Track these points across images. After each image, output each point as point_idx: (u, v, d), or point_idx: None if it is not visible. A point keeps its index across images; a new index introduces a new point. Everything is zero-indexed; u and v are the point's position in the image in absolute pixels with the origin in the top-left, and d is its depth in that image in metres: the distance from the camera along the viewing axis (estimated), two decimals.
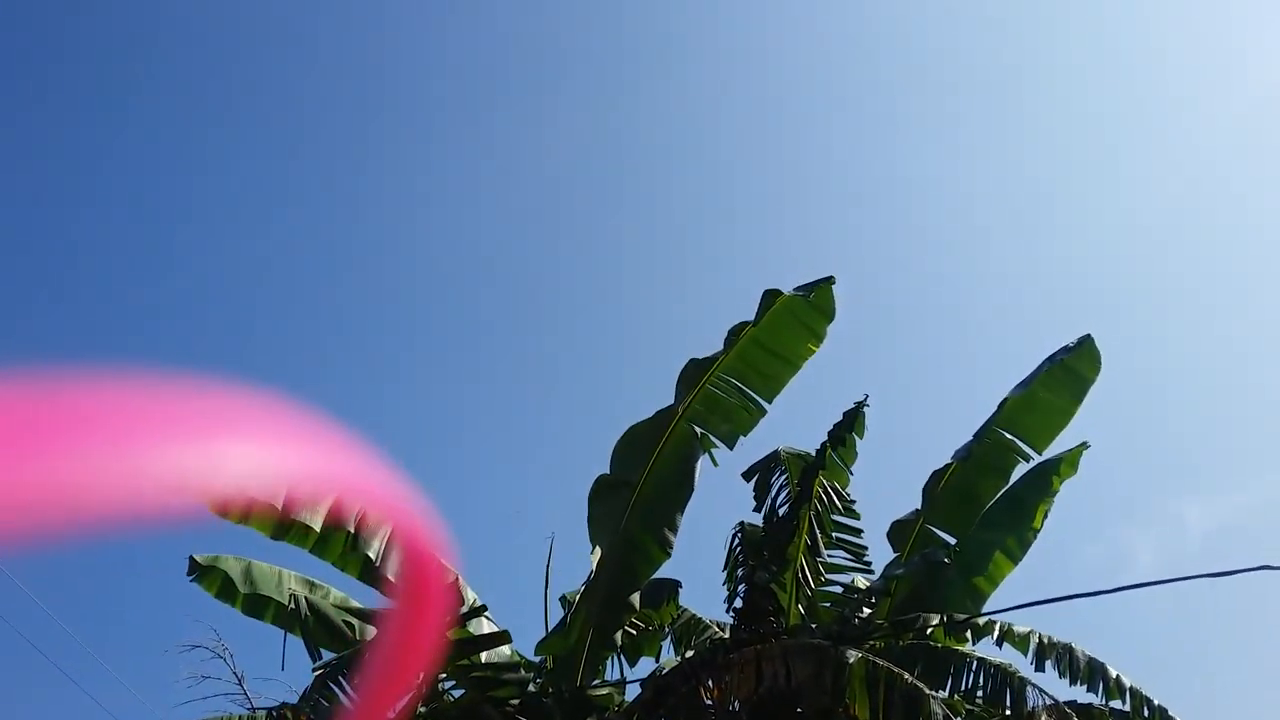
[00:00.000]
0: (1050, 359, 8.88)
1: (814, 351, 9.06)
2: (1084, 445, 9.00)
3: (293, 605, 7.26)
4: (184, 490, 0.50)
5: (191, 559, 7.77)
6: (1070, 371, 8.85)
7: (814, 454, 8.21)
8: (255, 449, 0.54)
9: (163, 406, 0.53)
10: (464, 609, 7.58)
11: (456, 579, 8.04)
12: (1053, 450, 8.89)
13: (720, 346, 8.73)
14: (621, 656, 8.28)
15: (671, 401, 8.63)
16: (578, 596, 8.10)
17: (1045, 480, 8.74)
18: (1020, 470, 8.80)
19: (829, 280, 8.83)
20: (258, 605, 7.81)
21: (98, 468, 0.46)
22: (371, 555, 7.85)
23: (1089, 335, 9.01)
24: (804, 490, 8.00)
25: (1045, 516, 8.64)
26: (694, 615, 8.66)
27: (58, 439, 0.46)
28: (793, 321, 8.88)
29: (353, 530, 7.88)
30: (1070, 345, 8.93)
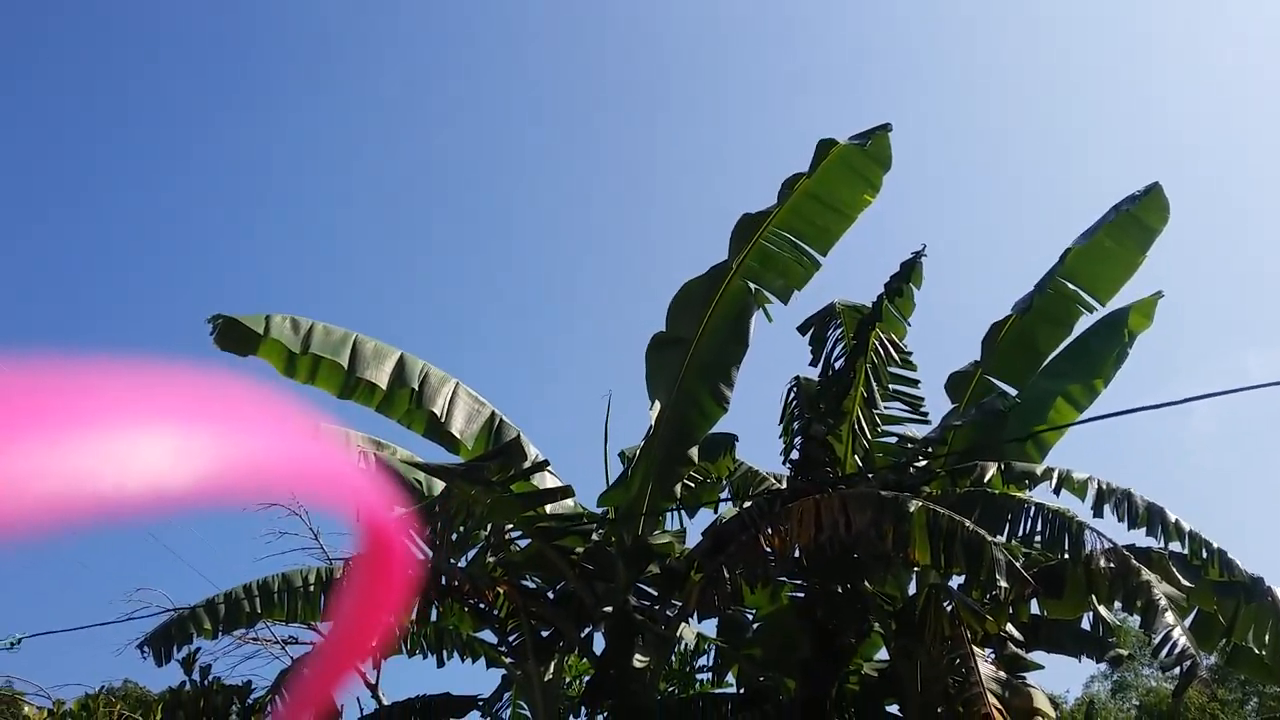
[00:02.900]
0: (1116, 208, 8.60)
1: (870, 202, 8.86)
2: (1158, 295, 8.79)
3: (362, 463, 7.47)
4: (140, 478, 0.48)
5: None
6: (1137, 221, 8.58)
7: (870, 306, 8.13)
8: (207, 430, 0.52)
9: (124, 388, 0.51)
10: (527, 464, 7.75)
11: (518, 437, 8.21)
12: (1118, 301, 8.71)
13: (774, 200, 8.57)
14: (681, 508, 8.47)
15: (726, 257, 8.55)
16: (637, 451, 8.24)
17: (1116, 330, 8.58)
18: (1085, 322, 8.65)
19: (885, 128, 8.56)
20: None
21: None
22: (436, 411, 8.01)
23: (1157, 183, 8.68)
24: (860, 343, 7.95)
25: (1118, 365, 8.51)
26: (751, 468, 8.79)
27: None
28: (848, 172, 8.66)
29: (416, 388, 8.04)
30: (1138, 193, 8.62)
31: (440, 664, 7.75)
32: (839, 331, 8.41)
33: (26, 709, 6.79)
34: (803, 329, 8.46)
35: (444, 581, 7.19)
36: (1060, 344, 8.62)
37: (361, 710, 7.50)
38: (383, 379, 7.97)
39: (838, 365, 8.21)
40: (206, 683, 6.78)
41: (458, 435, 8.12)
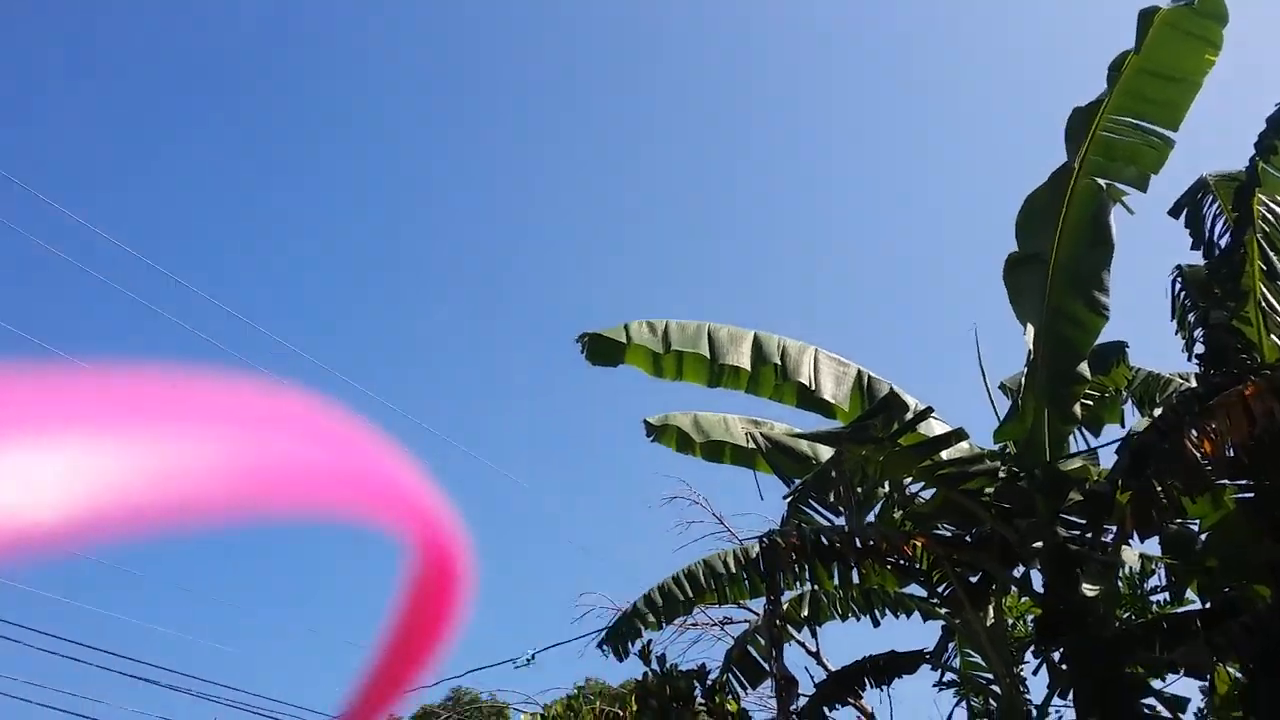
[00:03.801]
0: None
1: (1213, 63, 8.04)
2: None
3: (751, 443, 7.65)
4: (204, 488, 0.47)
5: (646, 422, 8.35)
6: None
7: (1244, 172, 7.40)
8: (275, 444, 0.52)
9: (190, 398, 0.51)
10: (909, 415, 7.63)
11: (892, 389, 8.11)
12: None
13: (1104, 87, 7.98)
14: (1083, 429, 8.06)
15: (1065, 159, 8.05)
16: (1021, 379, 7.92)
17: None
18: None
19: None
20: (715, 450, 8.30)
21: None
22: (804, 381, 8.07)
23: None
24: (1243, 214, 7.25)
25: None
26: (1151, 372, 8.22)
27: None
28: (1180, 36, 7.90)
29: (779, 362, 8.14)
30: None
31: (875, 624, 7.81)
32: (1216, 206, 7.71)
33: (524, 716, 7.56)
34: (1174, 212, 7.82)
35: (858, 543, 7.22)
36: None
37: (812, 679, 7.70)
38: (745, 361, 8.12)
39: (1223, 243, 7.53)
40: (665, 670, 7.23)
41: (830, 400, 8.13)
